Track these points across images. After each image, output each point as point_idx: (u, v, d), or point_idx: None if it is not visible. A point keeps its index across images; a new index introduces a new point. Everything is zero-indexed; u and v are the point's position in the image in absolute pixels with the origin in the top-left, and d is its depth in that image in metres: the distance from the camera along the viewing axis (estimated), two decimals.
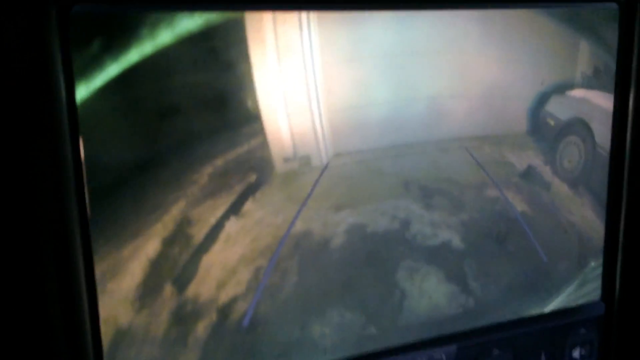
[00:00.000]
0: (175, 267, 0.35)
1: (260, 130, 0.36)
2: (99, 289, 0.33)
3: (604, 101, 0.45)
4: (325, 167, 0.38)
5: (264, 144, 0.36)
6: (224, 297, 0.36)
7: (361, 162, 0.39)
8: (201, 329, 0.36)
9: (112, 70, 0.32)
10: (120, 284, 0.33)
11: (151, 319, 0.34)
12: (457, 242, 0.43)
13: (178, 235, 0.35)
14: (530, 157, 0.44)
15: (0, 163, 0.30)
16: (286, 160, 0.37)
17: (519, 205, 0.44)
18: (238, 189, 0.36)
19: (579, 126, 0.45)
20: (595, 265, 0.49)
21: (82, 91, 0.31)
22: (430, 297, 0.43)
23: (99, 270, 0.33)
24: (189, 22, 0.33)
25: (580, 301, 0.49)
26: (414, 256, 0.42)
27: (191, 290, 0.35)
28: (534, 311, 0.47)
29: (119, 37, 0.31)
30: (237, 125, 0.35)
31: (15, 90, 0.29)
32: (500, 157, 0.43)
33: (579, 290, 0.49)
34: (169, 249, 0.34)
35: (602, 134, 0.46)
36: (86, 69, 0.31)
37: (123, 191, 0.33)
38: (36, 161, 0.30)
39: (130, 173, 0.33)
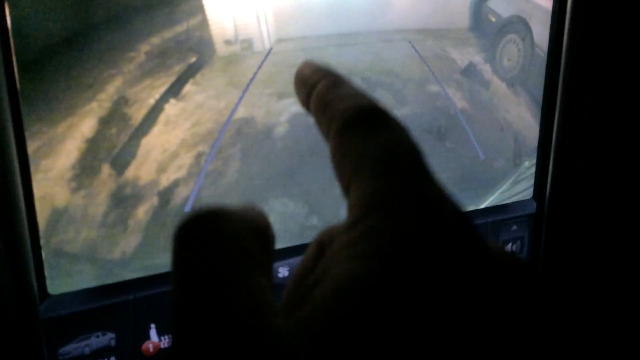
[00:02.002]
0: (112, 148, 0.34)
1: (199, 9, 0.35)
2: (33, 166, 0.32)
3: (544, 0, 0.45)
4: (268, 52, 0.37)
5: (204, 24, 0.35)
6: (165, 181, 0.36)
7: (304, 50, 0.39)
8: (142, 212, 0.36)
9: None
10: (55, 162, 0.32)
11: (89, 200, 0.34)
12: None
13: (115, 115, 0.34)
14: (472, 54, 0.45)
15: None
16: (227, 42, 0.36)
17: (459, 101, 0.45)
18: (177, 69, 0.35)
19: (519, 24, 0.46)
20: (529, 165, 0.51)
21: None
22: None
23: (31, 147, 0.32)
24: None
25: (514, 199, 0.51)
26: None
27: (130, 172, 0.35)
28: (470, 207, 0.49)
29: None
30: (174, 1, 0.34)
31: None
32: (443, 52, 0.44)
33: (513, 188, 0.51)
34: (105, 128, 0.34)
35: (541, 33, 0.46)
36: None
37: (55, 65, 0.31)
38: None
39: (61, 46, 0.31)
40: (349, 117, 0.15)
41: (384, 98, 0.42)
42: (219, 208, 0.13)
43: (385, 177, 0.13)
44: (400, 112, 0.43)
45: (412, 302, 0.11)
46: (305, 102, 0.18)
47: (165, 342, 0.38)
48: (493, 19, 0.44)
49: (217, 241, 0.13)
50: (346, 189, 0.15)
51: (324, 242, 0.15)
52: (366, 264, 0.12)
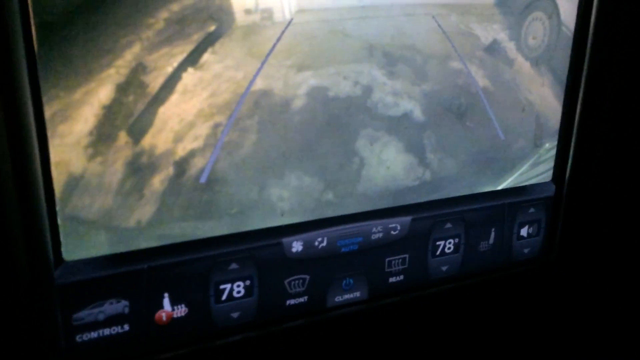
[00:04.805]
0: (129, 115, 0.34)
1: None
2: (49, 131, 0.32)
3: None
4: (289, 22, 0.37)
5: None
6: (181, 151, 0.36)
7: (325, 21, 0.38)
8: (157, 182, 0.36)
9: None
10: (72, 128, 0.32)
11: (105, 167, 0.34)
12: (418, 113, 0.43)
13: (132, 82, 0.33)
14: (496, 31, 0.44)
15: None
16: (247, 11, 0.36)
17: (481, 79, 0.44)
18: (196, 37, 0.34)
19: (546, 1, 0.45)
20: (549, 147, 0.50)
21: None
22: (388, 167, 0.43)
23: (48, 111, 0.31)
24: None
25: (532, 181, 0.50)
26: (374, 125, 0.42)
27: (147, 141, 0.35)
28: (487, 188, 0.48)
29: None
30: None
31: None
32: (466, 28, 0.43)
33: (532, 170, 0.50)
34: (123, 95, 0.33)
35: (568, 12, 0.45)
36: None
37: (73, 29, 0.31)
38: None
39: (80, 10, 0.31)
40: None
41: (405, 73, 0.41)
42: None
43: None
44: (421, 88, 0.42)
45: None
46: None
47: (178, 311, 0.38)
48: None
49: None
50: None
51: None
52: None
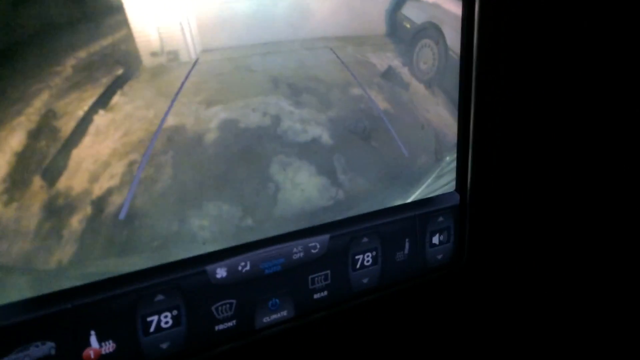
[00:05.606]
0: (43, 160, 0.35)
1: (124, 23, 0.36)
2: None
3: (454, 6, 0.49)
4: (195, 62, 0.39)
5: (129, 37, 0.36)
6: (98, 190, 0.37)
7: (230, 59, 0.41)
8: (75, 222, 0.37)
9: None
10: None
11: (21, 212, 0.34)
12: (326, 137, 0.46)
13: (44, 128, 0.34)
14: (390, 59, 0.48)
15: None
16: (154, 54, 0.38)
17: (381, 103, 0.48)
18: (105, 81, 0.36)
19: (432, 30, 0.49)
20: (450, 160, 0.54)
21: None
22: (303, 190, 0.46)
23: None
24: None
25: (438, 192, 0.54)
26: (285, 151, 0.44)
27: (62, 183, 0.36)
28: (398, 202, 0.52)
29: None
30: (99, 16, 0.35)
31: None
32: (363, 57, 0.46)
33: (437, 182, 0.54)
34: (34, 141, 0.34)
35: (453, 38, 0.50)
36: None
37: None
38: None
39: None
40: None
41: (310, 102, 0.44)
42: None
43: None
44: (327, 114, 0.45)
45: None
46: None
47: (106, 347, 0.39)
48: (408, 26, 0.48)
49: None
50: None
51: None
52: None
